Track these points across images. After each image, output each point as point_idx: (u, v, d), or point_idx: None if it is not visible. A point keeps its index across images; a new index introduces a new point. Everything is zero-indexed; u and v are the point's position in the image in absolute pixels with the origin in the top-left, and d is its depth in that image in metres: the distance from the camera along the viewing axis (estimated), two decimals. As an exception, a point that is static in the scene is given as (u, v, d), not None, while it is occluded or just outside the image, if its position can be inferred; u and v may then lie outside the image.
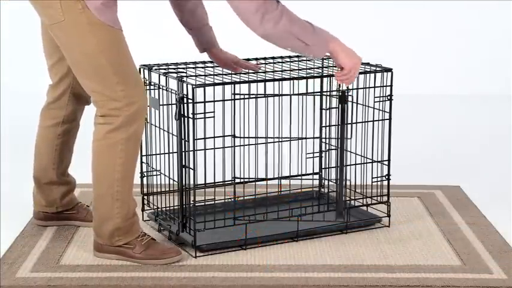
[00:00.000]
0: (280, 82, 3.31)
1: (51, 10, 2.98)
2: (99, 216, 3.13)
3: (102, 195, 3.10)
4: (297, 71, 3.34)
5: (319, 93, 3.67)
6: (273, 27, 2.98)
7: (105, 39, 2.97)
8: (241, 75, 3.29)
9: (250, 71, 3.36)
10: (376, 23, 6.20)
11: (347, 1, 6.17)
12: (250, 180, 3.69)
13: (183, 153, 3.13)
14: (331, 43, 3.10)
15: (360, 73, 3.36)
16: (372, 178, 3.51)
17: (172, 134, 3.27)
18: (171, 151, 3.45)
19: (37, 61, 4.57)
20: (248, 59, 3.52)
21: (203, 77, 3.22)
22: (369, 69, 3.40)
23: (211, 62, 3.47)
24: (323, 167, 3.75)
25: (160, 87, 3.32)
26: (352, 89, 3.47)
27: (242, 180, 3.49)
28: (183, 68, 3.38)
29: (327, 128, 3.64)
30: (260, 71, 3.35)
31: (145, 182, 3.50)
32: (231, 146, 3.23)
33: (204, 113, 3.09)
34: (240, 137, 3.38)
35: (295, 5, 6.15)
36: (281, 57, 3.56)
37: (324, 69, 3.42)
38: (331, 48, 3.10)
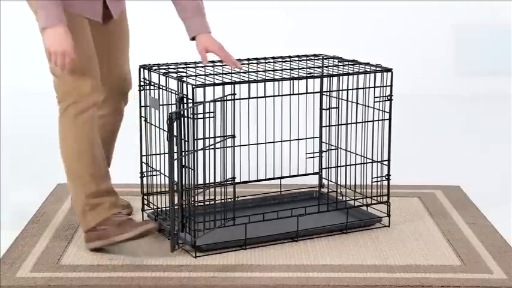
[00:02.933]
0: (280, 82, 3.32)
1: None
2: (71, 197, 3.25)
3: (67, 174, 3.22)
4: (297, 70, 3.34)
5: (319, 93, 3.68)
6: None
7: None
8: (241, 75, 3.29)
9: (235, 68, 3.32)
10: (376, 23, 6.20)
11: (348, 1, 6.17)
12: (250, 180, 3.70)
13: (179, 153, 3.13)
14: (48, 27, 2.99)
15: (360, 73, 3.36)
16: (372, 178, 3.51)
17: (173, 135, 3.26)
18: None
19: (37, 61, 4.58)
20: (249, 59, 3.52)
21: (203, 77, 3.22)
22: (369, 69, 3.40)
23: (211, 61, 3.47)
24: (323, 167, 3.75)
25: (160, 87, 3.33)
26: (353, 89, 3.47)
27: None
28: (183, 68, 3.38)
29: (327, 128, 3.64)
30: (241, 70, 3.32)
31: (145, 182, 3.50)
32: (231, 146, 3.23)
33: (204, 113, 3.09)
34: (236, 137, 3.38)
35: (299, 3, 6.15)
36: (281, 57, 3.56)
37: (324, 69, 3.42)
38: (43, 29, 3.02)
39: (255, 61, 3.51)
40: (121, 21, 3.36)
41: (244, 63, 3.47)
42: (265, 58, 3.54)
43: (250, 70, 3.37)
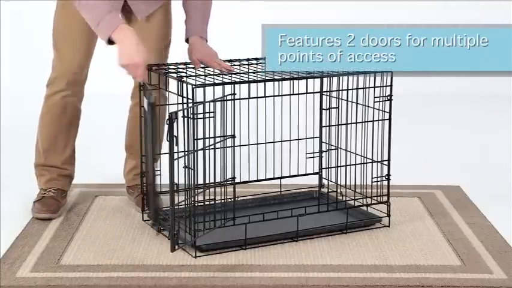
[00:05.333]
0: (280, 82, 3.32)
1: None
2: None
3: None
4: (297, 71, 3.34)
5: (319, 93, 3.68)
6: None
7: (58, 6, 3.46)
8: (241, 75, 3.29)
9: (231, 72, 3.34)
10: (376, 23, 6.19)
11: (348, 1, 6.17)
12: (250, 180, 3.70)
13: (174, 154, 3.12)
14: (115, 34, 3.15)
15: (360, 73, 3.36)
16: (372, 178, 3.51)
17: (173, 135, 3.26)
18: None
19: (38, 60, 4.58)
20: (249, 59, 3.52)
21: (203, 77, 3.22)
22: (369, 70, 3.39)
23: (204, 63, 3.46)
24: (323, 167, 3.74)
25: (160, 87, 3.33)
26: (353, 89, 3.47)
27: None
28: (183, 68, 3.38)
29: (327, 128, 3.64)
30: (233, 72, 3.33)
31: (145, 182, 3.50)
32: (231, 146, 3.23)
33: (204, 113, 3.09)
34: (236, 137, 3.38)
35: (301, 3, 6.13)
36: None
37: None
38: (114, 38, 3.17)
39: (254, 61, 3.51)
40: (152, 21, 3.47)
41: (243, 64, 3.47)
42: (265, 58, 3.54)
43: (250, 70, 3.37)
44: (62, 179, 3.64)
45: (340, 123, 3.58)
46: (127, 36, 3.14)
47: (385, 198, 3.52)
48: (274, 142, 3.67)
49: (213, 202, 3.29)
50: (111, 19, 3.15)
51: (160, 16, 3.48)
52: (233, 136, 3.22)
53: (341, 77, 3.43)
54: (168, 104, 3.37)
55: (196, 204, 3.15)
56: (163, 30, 3.51)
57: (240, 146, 3.55)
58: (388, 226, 3.49)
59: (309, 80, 3.37)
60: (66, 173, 3.65)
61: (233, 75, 3.28)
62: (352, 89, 3.46)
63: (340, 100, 3.55)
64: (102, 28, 3.16)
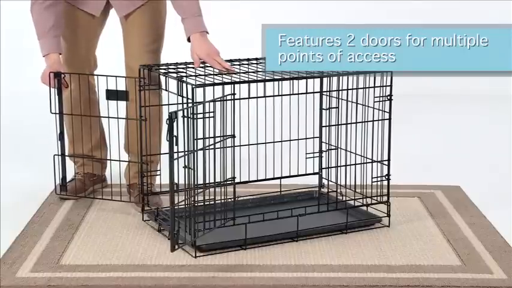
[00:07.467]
0: (280, 82, 3.32)
1: None
2: None
3: None
4: (297, 71, 3.34)
5: (319, 93, 3.68)
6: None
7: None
8: (241, 75, 3.29)
9: (225, 72, 3.34)
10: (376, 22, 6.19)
11: (347, 1, 6.17)
12: (250, 180, 3.70)
13: (175, 154, 3.12)
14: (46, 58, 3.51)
15: (360, 73, 3.36)
16: (372, 178, 3.51)
17: (173, 135, 3.26)
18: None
19: (37, 61, 4.58)
20: (249, 59, 3.52)
21: (203, 77, 3.22)
22: (369, 70, 3.39)
23: (203, 63, 3.46)
24: (323, 167, 3.74)
25: (160, 87, 3.33)
26: (352, 89, 3.47)
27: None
28: (183, 68, 3.38)
29: (327, 128, 3.64)
30: (233, 72, 3.33)
31: (145, 182, 3.50)
32: (231, 146, 3.23)
33: (204, 113, 3.09)
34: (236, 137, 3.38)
35: (301, 3, 6.13)
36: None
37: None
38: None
39: (254, 61, 3.51)
40: (134, 19, 3.57)
41: (243, 64, 3.47)
42: (265, 58, 3.54)
43: (249, 70, 3.37)
44: (91, 164, 3.82)
45: (340, 123, 3.58)
46: (48, 64, 3.50)
47: (385, 198, 3.52)
48: (274, 142, 3.67)
49: (213, 202, 3.29)
50: (45, 44, 3.48)
51: (144, 15, 3.57)
52: (233, 136, 3.22)
53: (341, 77, 3.43)
54: (168, 104, 3.36)
55: (196, 204, 3.15)
56: (147, 29, 3.58)
57: (240, 146, 3.55)
58: (388, 226, 3.49)
59: (309, 80, 3.37)
60: (95, 159, 3.82)
61: (233, 75, 3.28)
62: (352, 89, 3.46)
63: (340, 100, 3.55)
64: (41, 46, 3.50)
